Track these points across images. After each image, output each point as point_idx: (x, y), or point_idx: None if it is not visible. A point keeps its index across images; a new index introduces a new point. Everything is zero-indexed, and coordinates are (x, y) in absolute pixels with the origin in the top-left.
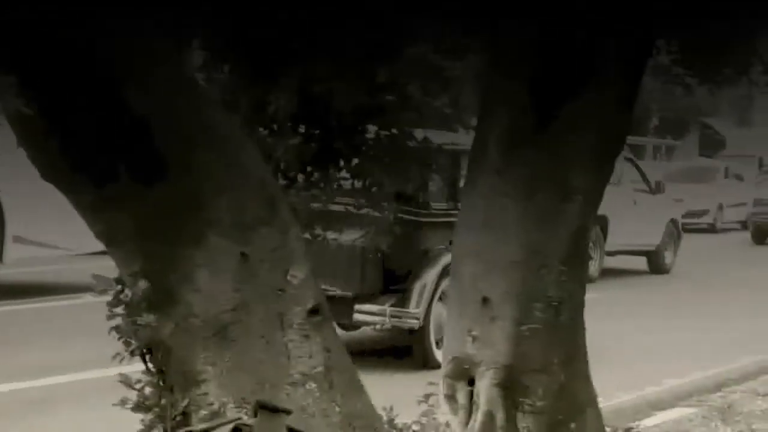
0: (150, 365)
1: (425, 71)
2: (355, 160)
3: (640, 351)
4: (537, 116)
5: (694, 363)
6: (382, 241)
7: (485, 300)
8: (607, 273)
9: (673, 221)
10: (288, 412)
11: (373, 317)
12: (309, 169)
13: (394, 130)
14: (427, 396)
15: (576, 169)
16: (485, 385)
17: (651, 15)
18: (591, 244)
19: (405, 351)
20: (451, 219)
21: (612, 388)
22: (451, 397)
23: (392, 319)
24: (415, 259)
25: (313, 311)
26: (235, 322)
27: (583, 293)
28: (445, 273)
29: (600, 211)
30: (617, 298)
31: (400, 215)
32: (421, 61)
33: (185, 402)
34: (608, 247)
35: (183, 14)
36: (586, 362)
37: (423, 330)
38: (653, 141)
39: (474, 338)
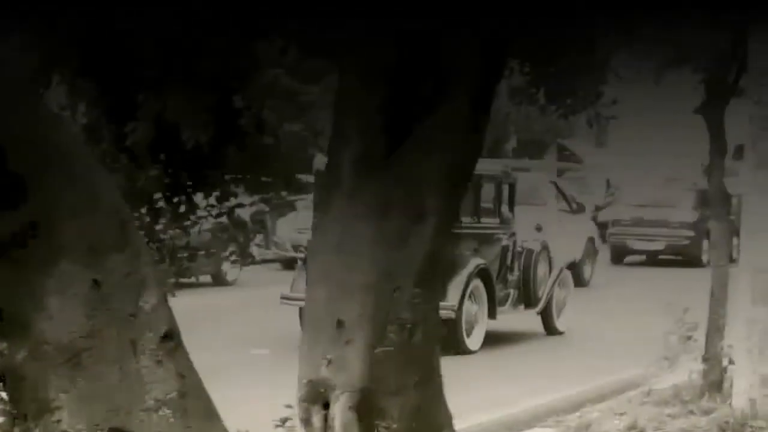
0: (2, 393)
1: (280, 96)
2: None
3: (498, 371)
4: (388, 138)
5: (552, 383)
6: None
7: (339, 323)
8: None
9: (591, 239)
10: None
11: None
12: (175, 199)
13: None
14: (284, 420)
15: (428, 191)
16: (340, 409)
17: (502, 33)
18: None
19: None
20: (475, 231)
21: (469, 410)
22: (306, 421)
23: None
24: (449, 262)
25: (166, 337)
26: (87, 349)
27: (438, 315)
28: (473, 274)
29: None
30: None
31: None
32: (275, 85)
33: (39, 430)
34: None
35: (38, 42)
36: (441, 384)
37: (456, 320)
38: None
39: (329, 362)
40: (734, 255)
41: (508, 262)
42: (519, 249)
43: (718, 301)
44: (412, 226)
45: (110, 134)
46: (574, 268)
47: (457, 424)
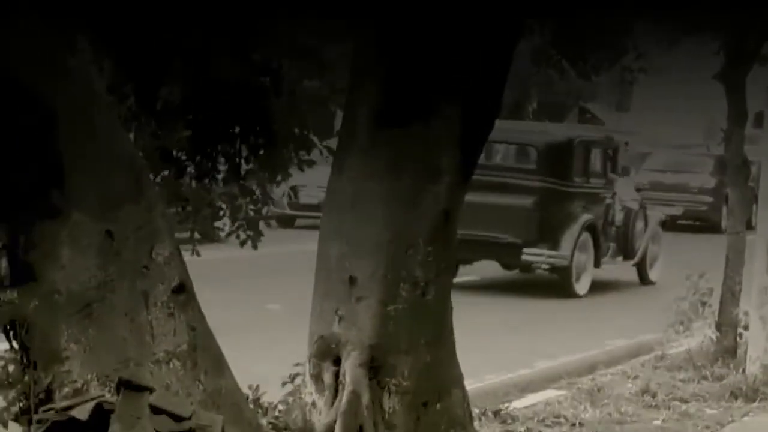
0: (13, 342)
1: (300, 53)
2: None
3: (512, 332)
4: (403, 97)
5: (566, 346)
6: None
7: (352, 280)
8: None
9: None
10: (151, 390)
11: (536, 257)
12: (197, 158)
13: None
14: (293, 376)
15: (444, 151)
16: (351, 365)
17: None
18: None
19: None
20: (585, 190)
21: (483, 370)
22: (317, 377)
23: (549, 259)
24: (563, 217)
25: (178, 289)
26: (98, 300)
27: (450, 274)
28: (583, 228)
29: None
30: (493, 281)
31: (553, 186)
32: (296, 42)
33: (48, 379)
34: None
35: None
36: (453, 343)
37: (568, 268)
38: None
39: (340, 318)
40: (753, 222)
41: (610, 218)
42: (620, 207)
43: (733, 268)
44: (426, 185)
45: (135, 93)
46: (664, 225)
47: (471, 384)
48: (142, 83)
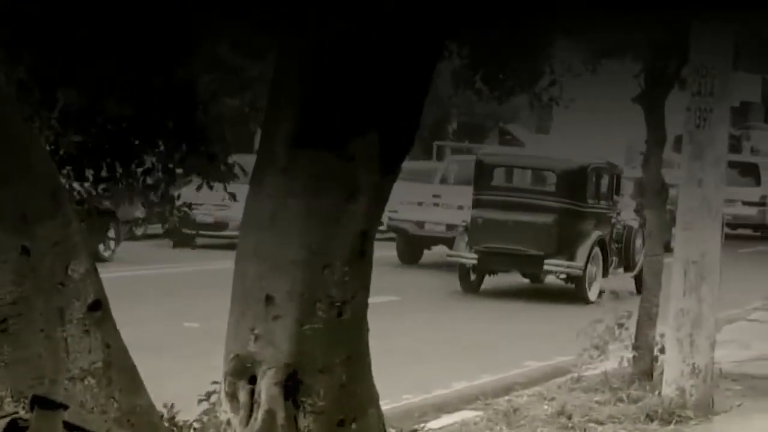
0: None
1: (222, 70)
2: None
3: (431, 353)
4: (323, 116)
5: (483, 367)
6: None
7: (268, 299)
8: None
9: None
10: (65, 408)
11: (555, 267)
12: (101, 164)
13: None
14: (209, 394)
15: (362, 171)
16: (266, 384)
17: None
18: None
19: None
20: (596, 210)
21: (400, 390)
22: (232, 396)
23: (566, 269)
24: (578, 233)
25: (94, 306)
26: (14, 316)
27: (367, 294)
28: (595, 243)
29: None
30: (415, 300)
31: (569, 206)
32: (218, 60)
33: None
34: None
35: None
36: (369, 363)
37: (582, 277)
38: (451, 144)
39: (256, 337)
40: (672, 245)
41: (615, 235)
42: (621, 225)
43: (650, 290)
44: (344, 205)
45: (39, 98)
46: None
47: (387, 404)
48: (43, 85)
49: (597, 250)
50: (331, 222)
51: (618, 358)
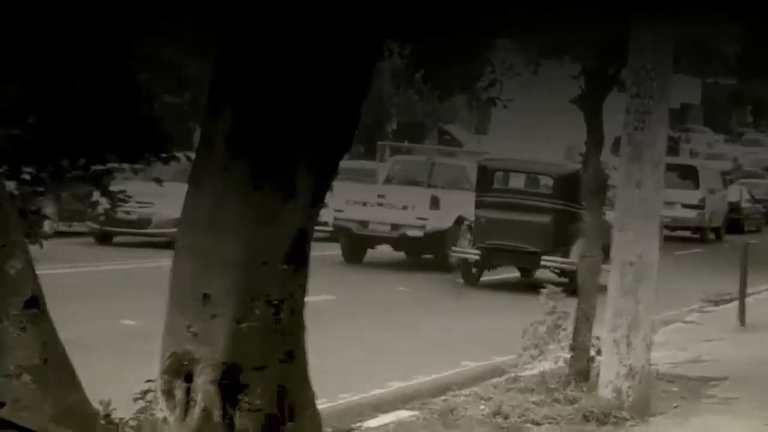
0: None
1: (163, 68)
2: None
3: (368, 353)
4: (263, 114)
5: (419, 366)
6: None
7: (206, 297)
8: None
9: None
10: (1, 405)
11: (551, 263)
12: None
13: None
14: (145, 392)
15: (300, 171)
16: (203, 382)
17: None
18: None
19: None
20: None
21: (336, 390)
22: (168, 393)
23: (561, 264)
24: (572, 232)
25: (31, 303)
26: None
27: (305, 293)
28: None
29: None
30: (351, 301)
31: (564, 207)
32: (157, 57)
33: None
34: None
35: None
36: (306, 362)
37: (576, 272)
38: (390, 144)
39: (193, 335)
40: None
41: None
42: (608, 225)
43: (587, 292)
44: (282, 204)
45: None
46: None
47: (324, 403)
48: None
49: None
50: (269, 221)
51: (555, 358)
